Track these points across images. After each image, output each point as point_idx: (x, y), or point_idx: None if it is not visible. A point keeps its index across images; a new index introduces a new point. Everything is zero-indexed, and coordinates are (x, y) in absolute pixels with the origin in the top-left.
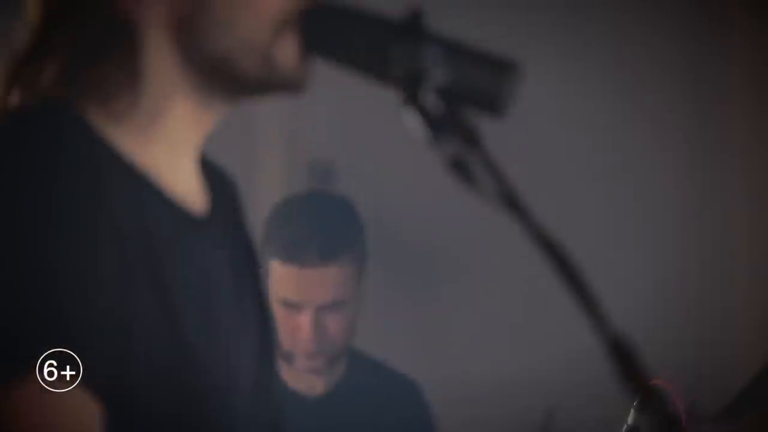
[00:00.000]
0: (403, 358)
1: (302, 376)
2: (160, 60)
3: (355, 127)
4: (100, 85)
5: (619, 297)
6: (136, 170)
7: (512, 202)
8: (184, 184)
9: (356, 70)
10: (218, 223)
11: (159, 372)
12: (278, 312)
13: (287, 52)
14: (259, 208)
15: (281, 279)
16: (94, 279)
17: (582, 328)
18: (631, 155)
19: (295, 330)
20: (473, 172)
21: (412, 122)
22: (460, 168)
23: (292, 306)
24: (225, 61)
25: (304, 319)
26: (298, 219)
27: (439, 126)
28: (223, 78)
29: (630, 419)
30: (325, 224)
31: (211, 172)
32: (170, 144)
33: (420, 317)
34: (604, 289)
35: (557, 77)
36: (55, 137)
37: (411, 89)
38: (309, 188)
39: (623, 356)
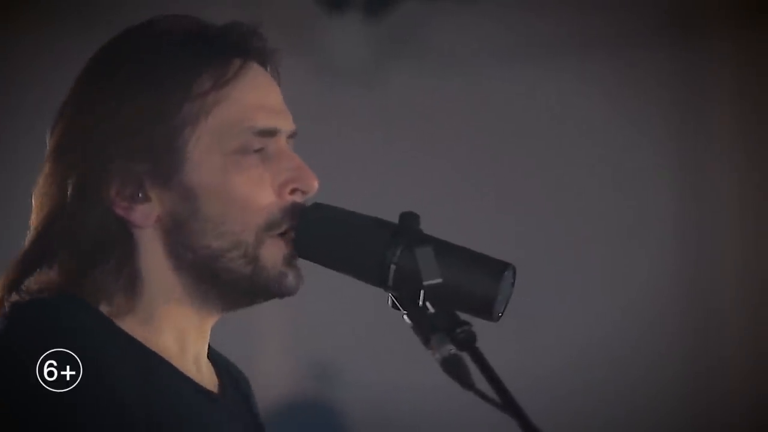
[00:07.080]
0: None
1: None
2: (155, 262)
3: (353, 327)
4: (101, 286)
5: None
6: (142, 347)
7: (506, 403)
8: (194, 367)
9: (350, 272)
10: (230, 402)
11: None
12: None
13: (274, 253)
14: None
15: None
16: None
17: None
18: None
19: None
20: (467, 372)
21: (407, 322)
22: (453, 368)
23: None
24: (214, 259)
25: None
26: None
27: (433, 327)
28: (213, 279)
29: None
30: None
31: (221, 364)
32: (174, 337)
33: None
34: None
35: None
36: (72, 322)
37: (404, 291)
38: (309, 392)
39: None
